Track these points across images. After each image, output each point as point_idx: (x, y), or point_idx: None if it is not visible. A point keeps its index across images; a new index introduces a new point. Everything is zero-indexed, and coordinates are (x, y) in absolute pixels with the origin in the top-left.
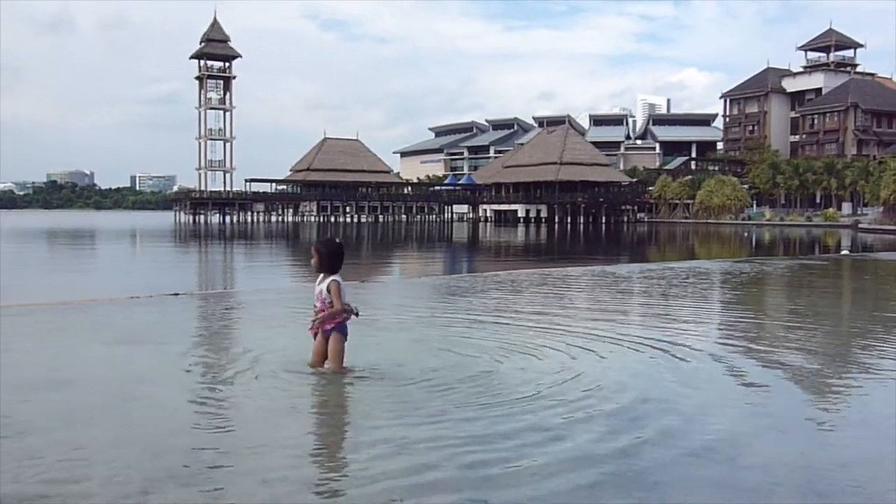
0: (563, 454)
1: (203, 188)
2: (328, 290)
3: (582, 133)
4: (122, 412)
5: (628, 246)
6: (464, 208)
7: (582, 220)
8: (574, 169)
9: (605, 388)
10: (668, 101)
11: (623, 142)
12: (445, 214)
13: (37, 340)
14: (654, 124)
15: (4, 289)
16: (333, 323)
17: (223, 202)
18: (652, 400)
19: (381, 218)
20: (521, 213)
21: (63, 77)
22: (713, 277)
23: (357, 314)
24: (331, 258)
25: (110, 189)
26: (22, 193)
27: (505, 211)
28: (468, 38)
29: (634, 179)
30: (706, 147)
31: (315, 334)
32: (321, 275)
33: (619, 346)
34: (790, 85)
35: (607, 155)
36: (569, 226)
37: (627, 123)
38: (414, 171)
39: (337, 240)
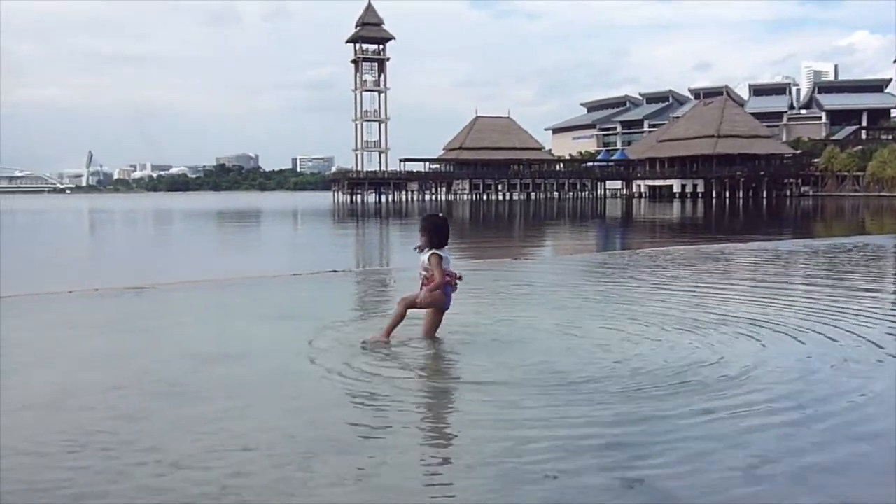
0: None
1: (360, 168)
2: (429, 261)
3: (741, 104)
4: (283, 384)
5: (793, 221)
6: (617, 184)
7: (741, 195)
8: (732, 141)
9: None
10: (836, 67)
11: (786, 112)
12: (598, 191)
13: (207, 315)
14: (819, 92)
15: (179, 266)
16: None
17: (379, 181)
18: None
19: (532, 195)
20: (676, 189)
21: (229, 66)
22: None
23: (459, 278)
24: (436, 234)
25: (273, 171)
26: (194, 177)
27: (659, 186)
28: (620, 9)
29: (798, 151)
30: (879, 115)
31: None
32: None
33: None
34: None
35: (768, 126)
36: (727, 201)
37: (790, 92)
38: (566, 147)
39: (440, 214)
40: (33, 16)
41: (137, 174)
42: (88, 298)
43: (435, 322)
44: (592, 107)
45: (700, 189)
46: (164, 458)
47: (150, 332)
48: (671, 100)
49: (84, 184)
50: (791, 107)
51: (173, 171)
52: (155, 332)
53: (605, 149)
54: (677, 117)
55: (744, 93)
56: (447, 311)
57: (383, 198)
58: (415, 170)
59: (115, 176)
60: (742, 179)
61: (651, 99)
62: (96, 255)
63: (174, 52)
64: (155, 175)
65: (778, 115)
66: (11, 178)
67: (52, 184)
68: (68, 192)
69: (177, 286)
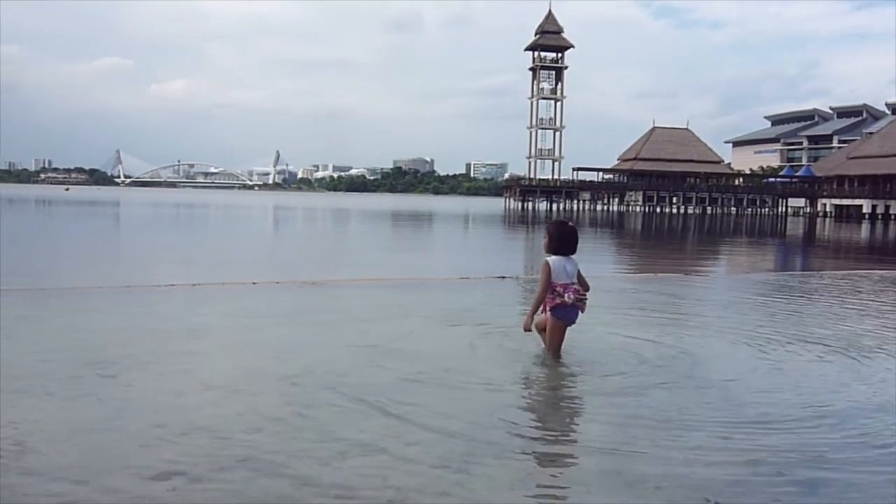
0: None
1: (532, 176)
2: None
3: None
4: (447, 385)
5: None
6: (800, 202)
7: None
8: None
9: None
10: None
11: None
12: (779, 208)
13: (379, 313)
14: None
15: (355, 264)
16: (549, 305)
17: (550, 190)
18: None
19: (709, 210)
20: (866, 209)
21: (410, 71)
22: None
23: (570, 302)
24: (557, 240)
25: (447, 175)
26: (372, 178)
27: (847, 206)
28: (812, 18)
29: None
30: None
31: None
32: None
33: None
34: None
35: None
36: None
37: None
38: (746, 161)
39: (570, 223)
40: (233, 23)
41: (319, 174)
42: (270, 290)
43: (554, 337)
44: (777, 120)
45: (892, 210)
46: (330, 448)
47: (325, 325)
48: (865, 114)
49: (270, 182)
50: None
51: (353, 172)
52: (330, 326)
53: (788, 164)
54: (871, 133)
55: None
56: (574, 326)
57: (554, 206)
58: (587, 179)
59: (299, 175)
60: None
61: (842, 113)
62: (279, 250)
63: (358, 58)
64: (336, 175)
65: None
66: (207, 174)
67: (242, 181)
68: (256, 189)
69: (352, 283)
